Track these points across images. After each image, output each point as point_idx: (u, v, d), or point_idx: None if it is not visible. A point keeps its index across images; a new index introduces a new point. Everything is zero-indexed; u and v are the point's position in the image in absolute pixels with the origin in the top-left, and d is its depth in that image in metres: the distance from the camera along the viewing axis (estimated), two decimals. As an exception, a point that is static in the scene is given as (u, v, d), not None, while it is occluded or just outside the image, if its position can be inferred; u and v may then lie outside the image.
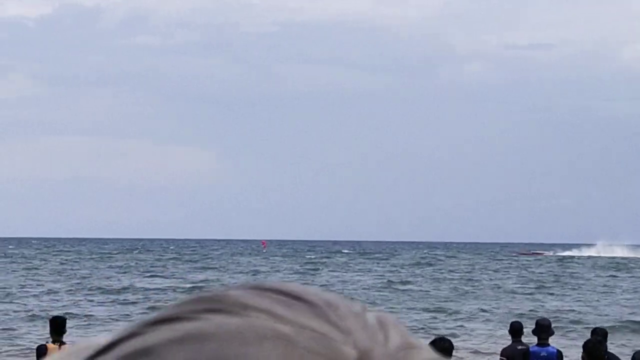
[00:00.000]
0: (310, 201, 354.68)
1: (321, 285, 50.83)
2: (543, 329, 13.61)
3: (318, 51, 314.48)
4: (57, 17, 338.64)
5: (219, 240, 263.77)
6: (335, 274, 65.82)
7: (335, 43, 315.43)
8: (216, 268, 73.27)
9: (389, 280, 56.16)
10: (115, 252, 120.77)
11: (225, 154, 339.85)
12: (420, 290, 48.29)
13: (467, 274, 67.52)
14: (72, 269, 68.71)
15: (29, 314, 34.28)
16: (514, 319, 18.54)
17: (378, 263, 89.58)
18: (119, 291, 45.10)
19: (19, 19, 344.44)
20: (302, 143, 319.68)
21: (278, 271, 69.15)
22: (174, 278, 57.36)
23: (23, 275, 58.54)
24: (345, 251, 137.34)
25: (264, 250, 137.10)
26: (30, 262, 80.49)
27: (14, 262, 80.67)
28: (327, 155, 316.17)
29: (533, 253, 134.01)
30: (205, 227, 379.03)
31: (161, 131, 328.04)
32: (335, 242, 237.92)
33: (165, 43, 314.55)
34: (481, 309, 37.77)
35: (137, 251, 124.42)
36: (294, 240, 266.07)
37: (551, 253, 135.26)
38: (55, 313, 25.10)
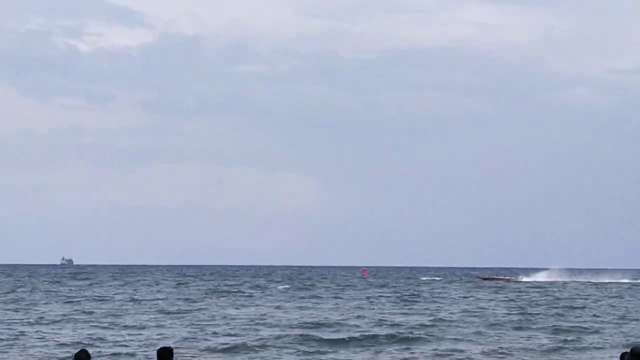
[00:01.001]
0: (415, 227, 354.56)
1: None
2: None
3: (421, 77, 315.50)
4: (159, 46, 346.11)
5: (321, 267, 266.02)
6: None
7: (438, 69, 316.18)
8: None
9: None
10: (232, 280, 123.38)
11: (329, 180, 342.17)
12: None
13: None
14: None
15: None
16: None
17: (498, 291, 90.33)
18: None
19: (121, 49, 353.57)
20: (406, 169, 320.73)
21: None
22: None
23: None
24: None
25: (364, 277, 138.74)
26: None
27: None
28: (431, 181, 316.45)
29: (495, 278, 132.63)
30: (309, 253, 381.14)
31: (265, 158, 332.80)
32: (428, 269, 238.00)
33: (268, 71, 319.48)
34: None
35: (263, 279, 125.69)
36: (397, 267, 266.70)
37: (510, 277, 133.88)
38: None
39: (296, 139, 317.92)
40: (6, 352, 32.22)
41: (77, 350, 13.02)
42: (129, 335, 38.17)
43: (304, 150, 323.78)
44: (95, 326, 42.23)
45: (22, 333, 38.63)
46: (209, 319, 47.32)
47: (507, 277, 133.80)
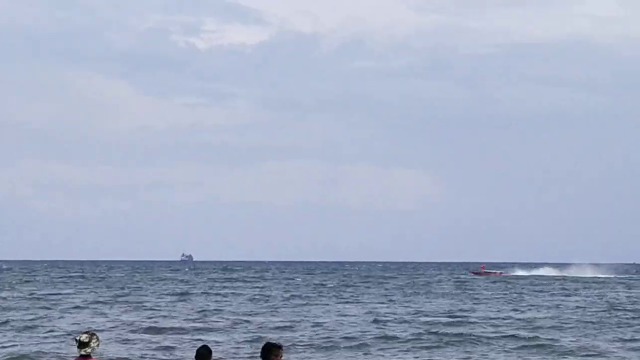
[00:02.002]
0: (531, 223, 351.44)
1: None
2: None
3: (538, 71, 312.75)
4: (276, 43, 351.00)
5: (437, 263, 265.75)
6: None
7: (555, 63, 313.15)
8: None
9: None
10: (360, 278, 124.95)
11: (445, 176, 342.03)
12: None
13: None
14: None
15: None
16: None
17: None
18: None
19: (238, 47, 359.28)
20: (523, 163, 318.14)
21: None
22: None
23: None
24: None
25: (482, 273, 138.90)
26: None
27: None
28: (549, 175, 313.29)
29: (486, 272, 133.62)
30: (424, 249, 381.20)
31: (381, 155, 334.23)
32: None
33: (384, 67, 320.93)
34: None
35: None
36: (510, 263, 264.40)
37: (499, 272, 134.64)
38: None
39: (412, 135, 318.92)
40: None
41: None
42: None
43: (420, 147, 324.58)
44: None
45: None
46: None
47: (499, 272, 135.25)
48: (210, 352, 12.88)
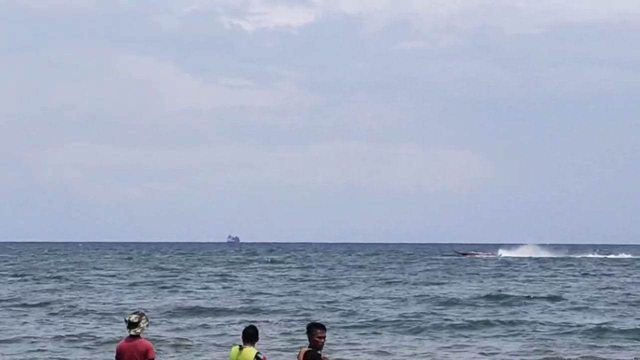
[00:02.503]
0: (577, 204, 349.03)
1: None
2: None
3: (584, 52, 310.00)
4: (321, 25, 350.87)
5: (483, 244, 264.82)
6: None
7: (601, 43, 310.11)
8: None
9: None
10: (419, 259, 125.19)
11: (491, 156, 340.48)
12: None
13: None
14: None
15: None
16: None
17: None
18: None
19: (284, 29, 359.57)
20: (569, 145, 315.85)
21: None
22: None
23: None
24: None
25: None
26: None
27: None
28: (594, 156, 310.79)
29: (473, 254, 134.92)
30: (469, 231, 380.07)
31: (429, 135, 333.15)
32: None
33: (430, 48, 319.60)
34: None
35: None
36: (555, 244, 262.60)
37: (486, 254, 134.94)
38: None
39: (457, 116, 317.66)
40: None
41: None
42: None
43: (465, 127, 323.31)
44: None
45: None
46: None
47: (486, 253, 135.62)
48: (257, 331, 13.11)
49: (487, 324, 35.35)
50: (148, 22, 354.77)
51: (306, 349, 12.51)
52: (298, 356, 12.61)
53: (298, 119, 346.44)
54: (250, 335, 13.00)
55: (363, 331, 33.17)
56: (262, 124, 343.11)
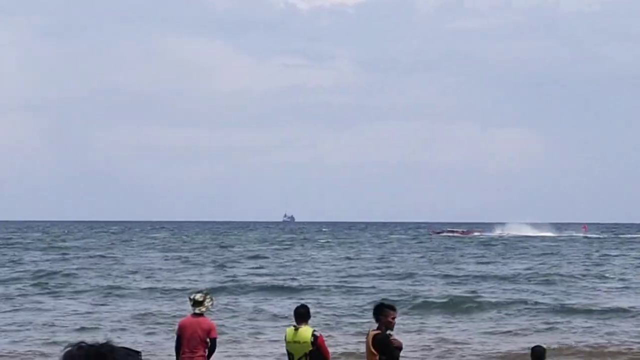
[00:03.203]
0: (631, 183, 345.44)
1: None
2: None
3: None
4: (375, 3, 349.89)
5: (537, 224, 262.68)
6: None
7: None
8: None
9: None
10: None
11: (548, 135, 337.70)
12: None
13: None
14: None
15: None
16: None
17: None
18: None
19: (339, 6, 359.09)
20: (629, 123, 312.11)
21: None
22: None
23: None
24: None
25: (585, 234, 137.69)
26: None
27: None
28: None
29: (448, 231, 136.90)
30: (522, 210, 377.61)
31: (482, 114, 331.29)
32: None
33: (485, 26, 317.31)
34: None
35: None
36: (615, 224, 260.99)
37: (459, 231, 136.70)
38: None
39: (513, 94, 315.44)
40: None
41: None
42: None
43: (520, 106, 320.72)
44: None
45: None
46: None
47: (462, 231, 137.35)
48: (308, 310, 13.21)
49: None
50: (201, 2, 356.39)
51: (375, 331, 12.10)
52: (367, 338, 12.24)
53: (353, 97, 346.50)
54: (302, 315, 13.06)
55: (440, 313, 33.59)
56: (316, 103, 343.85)
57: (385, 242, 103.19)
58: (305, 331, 12.88)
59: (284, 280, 45.80)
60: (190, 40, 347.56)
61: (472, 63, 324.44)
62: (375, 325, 12.11)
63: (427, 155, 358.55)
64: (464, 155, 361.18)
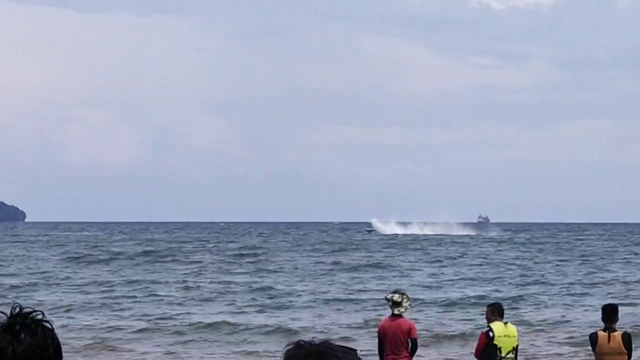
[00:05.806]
0: None
1: None
2: None
3: None
4: (570, 2, 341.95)
5: None
6: None
7: None
8: None
9: None
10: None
11: None
12: None
13: None
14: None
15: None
16: None
17: None
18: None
19: (533, 6, 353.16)
20: None
21: None
22: None
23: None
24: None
25: None
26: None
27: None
28: None
29: None
30: None
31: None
32: None
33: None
34: None
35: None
36: None
37: None
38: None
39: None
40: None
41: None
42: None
43: None
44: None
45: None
46: None
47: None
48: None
49: None
50: (398, 3, 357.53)
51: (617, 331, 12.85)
52: (609, 338, 12.77)
53: (547, 97, 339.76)
54: (503, 312, 13.60)
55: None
56: (510, 103, 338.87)
57: None
58: (514, 327, 13.51)
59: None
60: (385, 40, 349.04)
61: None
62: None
63: (625, 155, 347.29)
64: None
